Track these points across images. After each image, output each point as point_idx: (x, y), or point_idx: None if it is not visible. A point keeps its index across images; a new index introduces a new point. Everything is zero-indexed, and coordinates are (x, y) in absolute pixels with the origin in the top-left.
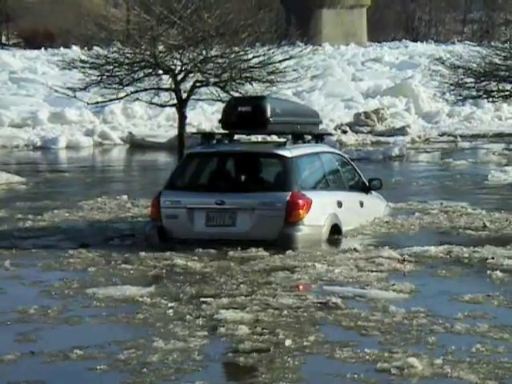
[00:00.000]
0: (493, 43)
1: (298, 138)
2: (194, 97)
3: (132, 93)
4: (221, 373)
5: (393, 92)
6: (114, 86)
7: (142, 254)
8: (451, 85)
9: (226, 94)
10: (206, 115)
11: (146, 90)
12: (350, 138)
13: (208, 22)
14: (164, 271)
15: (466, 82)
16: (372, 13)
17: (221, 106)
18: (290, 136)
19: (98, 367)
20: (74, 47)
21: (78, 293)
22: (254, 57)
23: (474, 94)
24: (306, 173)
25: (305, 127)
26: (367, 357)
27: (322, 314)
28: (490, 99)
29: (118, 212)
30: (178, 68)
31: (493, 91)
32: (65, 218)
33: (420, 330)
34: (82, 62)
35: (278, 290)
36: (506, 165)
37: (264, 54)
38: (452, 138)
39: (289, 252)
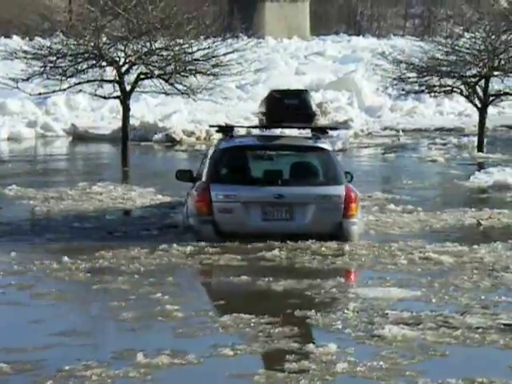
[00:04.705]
0: (434, 38)
1: (319, 131)
2: (137, 89)
3: (75, 84)
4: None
5: (336, 86)
6: (57, 77)
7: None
8: (394, 79)
9: (171, 86)
10: (149, 107)
11: (89, 81)
12: (294, 132)
13: (152, 14)
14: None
15: (409, 77)
16: (315, 7)
17: (164, 98)
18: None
19: None
20: (15, 37)
21: (346, 293)
22: (198, 49)
23: (417, 88)
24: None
25: None
26: None
27: (495, 338)
28: (432, 94)
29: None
30: (122, 60)
31: (435, 86)
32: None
33: None
34: (25, 52)
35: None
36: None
37: (208, 47)
38: (394, 132)
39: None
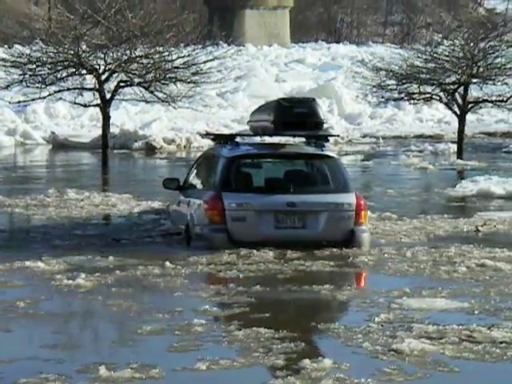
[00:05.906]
0: (414, 46)
1: (321, 139)
2: (117, 97)
3: (55, 92)
4: None
5: (316, 93)
6: (37, 85)
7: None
8: (373, 86)
9: (151, 94)
10: (129, 115)
11: (69, 89)
12: (273, 139)
13: (132, 22)
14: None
15: (388, 84)
16: (295, 14)
17: (144, 106)
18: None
19: None
20: None
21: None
22: (178, 57)
23: (396, 96)
24: None
25: None
26: None
27: None
28: (412, 101)
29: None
30: (102, 68)
31: (414, 93)
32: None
33: None
34: (3, 60)
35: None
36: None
37: (188, 55)
38: (374, 140)
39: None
